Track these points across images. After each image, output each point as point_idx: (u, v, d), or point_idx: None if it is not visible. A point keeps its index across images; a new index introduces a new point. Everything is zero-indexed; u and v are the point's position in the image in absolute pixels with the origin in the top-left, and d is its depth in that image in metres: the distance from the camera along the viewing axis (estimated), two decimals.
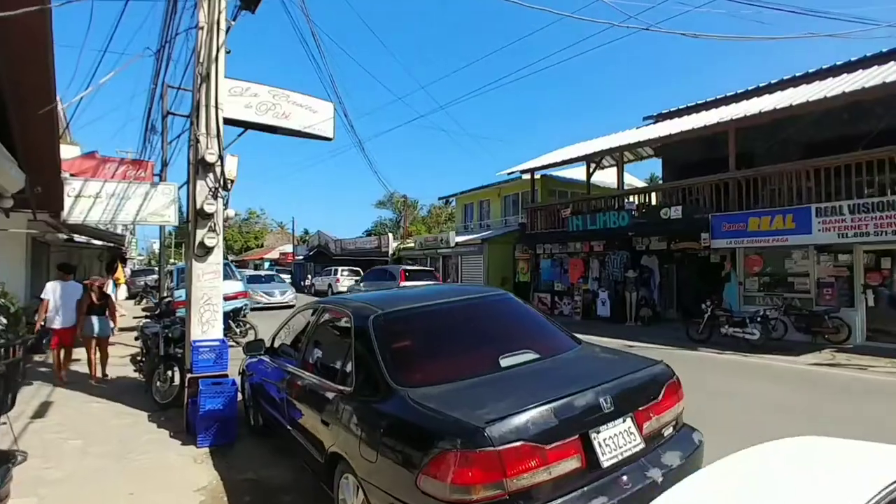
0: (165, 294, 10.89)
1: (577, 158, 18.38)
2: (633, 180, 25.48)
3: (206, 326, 5.71)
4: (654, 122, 18.44)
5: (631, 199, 16.20)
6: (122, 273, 18.00)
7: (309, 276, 36.04)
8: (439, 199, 32.13)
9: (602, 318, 15.88)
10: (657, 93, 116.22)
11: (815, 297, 11.87)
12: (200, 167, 5.73)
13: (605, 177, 22.98)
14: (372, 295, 4.05)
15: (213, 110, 5.79)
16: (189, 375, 5.37)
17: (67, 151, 11.82)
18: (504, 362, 2.86)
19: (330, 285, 28.02)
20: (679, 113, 17.73)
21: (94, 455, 4.75)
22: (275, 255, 47.82)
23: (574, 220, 16.87)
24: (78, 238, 15.54)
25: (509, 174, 20.49)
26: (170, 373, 6.49)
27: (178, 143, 11.54)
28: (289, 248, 45.71)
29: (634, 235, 15.37)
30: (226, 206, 5.96)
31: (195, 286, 5.67)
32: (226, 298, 12.99)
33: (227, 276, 13.85)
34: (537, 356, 2.98)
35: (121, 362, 9.11)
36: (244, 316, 11.15)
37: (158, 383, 6.40)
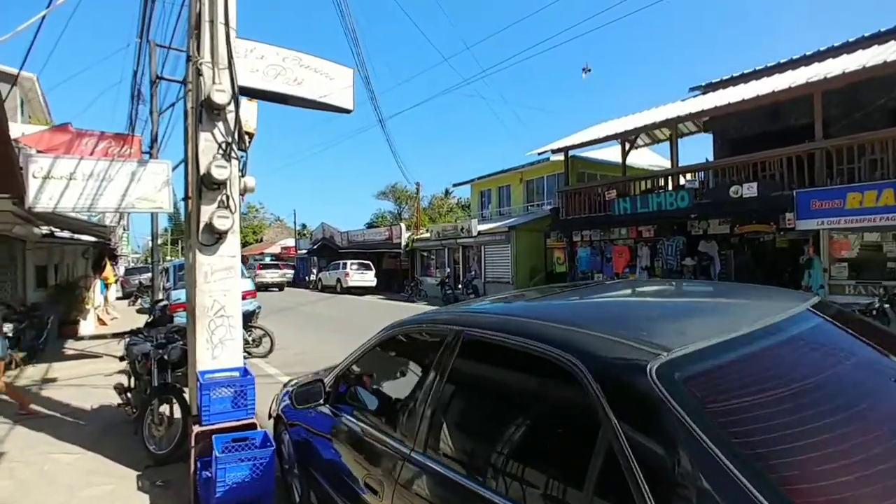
0: (160, 296, 8.94)
1: (615, 136, 16.57)
2: (660, 160, 23.65)
3: (218, 349, 3.85)
4: (703, 94, 16.55)
5: (689, 176, 14.33)
6: (111, 271, 16.05)
7: (314, 271, 34.20)
8: (453, 185, 30.22)
9: None
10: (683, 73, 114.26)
11: None
12: (204, 113, 3.84)
13: (637, 158, 21.12)
14: (557, 306, 2.17)
15: (221, 28, 3.90)
16: (197, 428, 3.50)
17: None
18: None
19: (339, 280, 26.20)
20: (732, 82, 15.81)
21: None
22: (276, 249, 45.89)
23: (620, 202, 15.00)
24: (60, 233, 13.61)
25: (540, 154, 18.65)
26: (166, 408, 4.65)
27: (172, 114, 9.63)
28: (290, 242, 43.77)
29: (696, 218, 13.52)
30: (242, 172, 4.09)
31: (200, 290, 3.80)
32: None
33: None
34: None
35: (105, 382, 7.26)
36: (255, 319, 9.27)
37: (152, 425, 4.55)
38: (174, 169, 8.81)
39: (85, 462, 4.45)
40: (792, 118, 13.88)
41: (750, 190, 11.99)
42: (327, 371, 4.00)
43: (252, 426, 3.58)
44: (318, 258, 35.35)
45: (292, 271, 36.93)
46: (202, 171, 3.75)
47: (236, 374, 3.85)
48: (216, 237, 3.82)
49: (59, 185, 7.68)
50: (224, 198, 3.85)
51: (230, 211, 3.83)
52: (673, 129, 15.03)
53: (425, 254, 25.64)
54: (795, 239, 12.67)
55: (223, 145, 3.86)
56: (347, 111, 6.55)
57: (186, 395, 4.56)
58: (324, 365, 8.50)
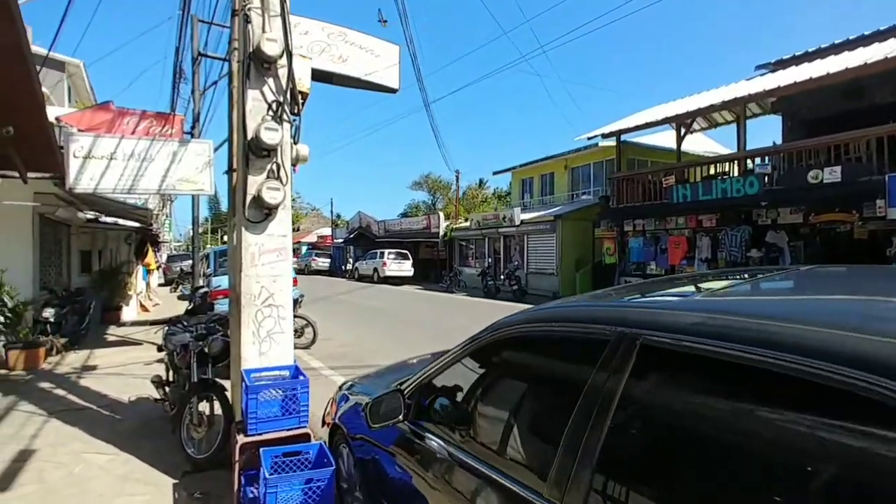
0: (201, 283, 8.56)
1: (671, 119, 15.56)
2: (716, 147, 22.28)
3: (266, 344, 3.30)
4: (771, 72, 15.25)
5: (760, 160, 13.17)
6: (153, 257, 16.04)
7: (350, 260, 34.07)
8: (493, 173, 29.47)
9: None
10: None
11: None
12: (253, 67, 3.27)
13: (692, 145, 19.86)
14: (799, 302, 1.48)
15: None
16: (242, 439, 2.97)
17: None
18: None
19: (376, 269, 25.87)
20: (806, 58, 14.47)
21: None
22: (312, 238, 46.06)
23: (679, 189, 13.97)
24: (104, 218, 13.56)
25: (589, 139, 17.67)
26: (206, 407, 4.17)
27: (214, 94, 9.24)
28: (326, 231, 43.83)
29: (766, 206, 12.41)
30: (295, 138, 3.51)
31: (247, 275, 3.26)
32: None
33: None
34: None
35: (144, 372, 6.93)
36: (298, 308, 8.83)
37: (190, 426, 4.07)
38: (216, 150, 8.42)
39: (118, 465, 4.01)
40: (877, 95, 12.55)
41: (833, 174, 10.84)
42: (392, 371, 3.42)
43: (305, 437, 3.03)
44: (354, 247, 35.21)
45: (328, 260, 36.97)
46: (249, 135, 3.19)
47: (286, 373, 3.30)
48: (265, 213, 3.26)
49: (99, 165, 7.37)
50: (274, 167, 3.29)
51: (281, 182, 3.26)
52: (740, 111, 13.83)
53: (464, 243, 25.00)
54: (877, 230, 11.46)
55: (274, 105, 3.28)
56: (393, 90, 6.02)
57: (228, 394, 4.07)
58: (370, 360, 7.98)
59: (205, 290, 7.72)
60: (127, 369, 7.32)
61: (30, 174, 6.30)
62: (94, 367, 7.50)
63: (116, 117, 7.98)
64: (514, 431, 1.73)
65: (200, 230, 14.86)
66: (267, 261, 3.28)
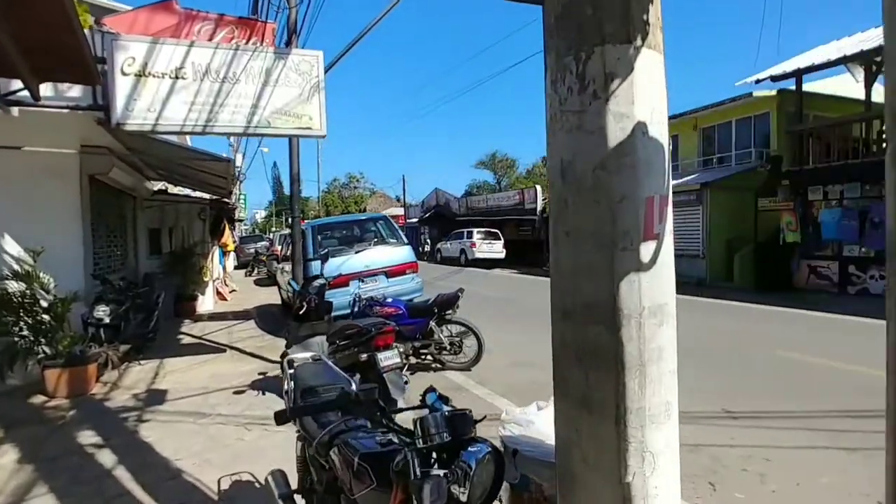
0: (315, 275, 5.69)
1: (850, 57, 11.72)
2: None
3: None
4: None
5: None
6: (230, 237, 13.84)
7: (428, 241, 31.47)
8: None
9: None
10: None
11: None
12: None
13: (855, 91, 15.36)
14: None
15: None
16: None
17: None
18: None
19: (463, 251, 23.09)
20: None
21: None
22: None
23: None
24: (173, 189, 11.38)
25: (758, 81, 13.83)
26: None
27: None
28: (398, 211, 41.47)
29: None
30: None
31: None
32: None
33: (388, 237, 8.74)
34: None
35: (234, 411, 4.32)
36: (456, 310, 5.98)
37: None
38: (327, 70, 5.66)
39: None
40: None
41: None
42: None
43: None
44: (429, 227, 32.60)
45: None
46: None
47: None
48: None
49: (161, 87, 4.72)
50: None
51: None
52: None
53: None
54: None
55: None
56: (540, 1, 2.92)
57: None
58: None
59: (321, 281, 5.01)
60: (208, 402, 4.77)
61: (44, 90, 3.72)
62: (162, 395, 5.01)
63: (183, 22, 5.32)
64: None
65: (264, 214, 12.17)
66: None
